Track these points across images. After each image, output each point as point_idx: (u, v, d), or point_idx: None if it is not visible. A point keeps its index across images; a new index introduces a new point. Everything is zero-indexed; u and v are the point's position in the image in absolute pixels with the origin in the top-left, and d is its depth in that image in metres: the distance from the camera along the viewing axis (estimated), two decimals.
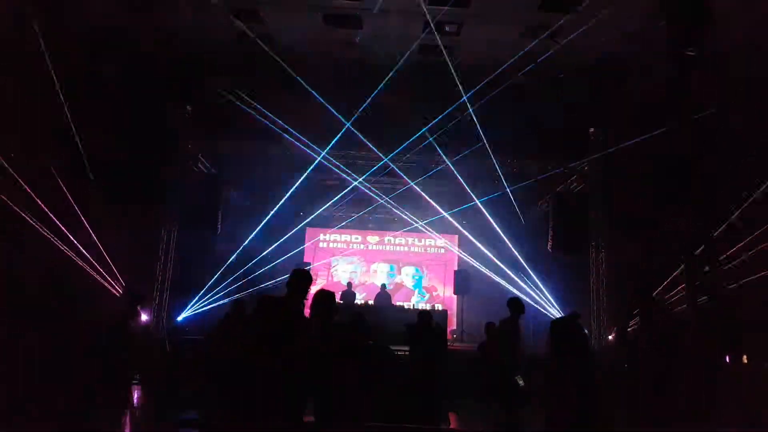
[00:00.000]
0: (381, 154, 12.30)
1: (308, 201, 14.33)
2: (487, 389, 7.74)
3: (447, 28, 9.69)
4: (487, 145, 11.35)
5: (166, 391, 8.75)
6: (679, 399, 5.38)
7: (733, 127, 8.84)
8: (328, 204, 14.21)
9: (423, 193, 13.36)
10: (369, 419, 4.65)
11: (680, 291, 8.62)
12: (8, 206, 8.75)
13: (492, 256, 14.06)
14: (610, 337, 11.40)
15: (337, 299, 5.02)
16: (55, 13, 9.00)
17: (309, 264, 14.97)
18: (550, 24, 9.43)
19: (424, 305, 15.46)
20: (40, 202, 9.34)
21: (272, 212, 12.97)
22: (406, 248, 16.81)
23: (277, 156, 12.24)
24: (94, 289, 10.17)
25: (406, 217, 14.77)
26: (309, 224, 15.89)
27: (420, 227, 14.84)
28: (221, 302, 12.21)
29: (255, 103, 10.98)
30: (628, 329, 8.92)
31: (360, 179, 12.95)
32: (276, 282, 12.38)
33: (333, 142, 11.56)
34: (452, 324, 14.62)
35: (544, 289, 13.01)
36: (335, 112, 10.79)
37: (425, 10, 8.95)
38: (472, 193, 12.83)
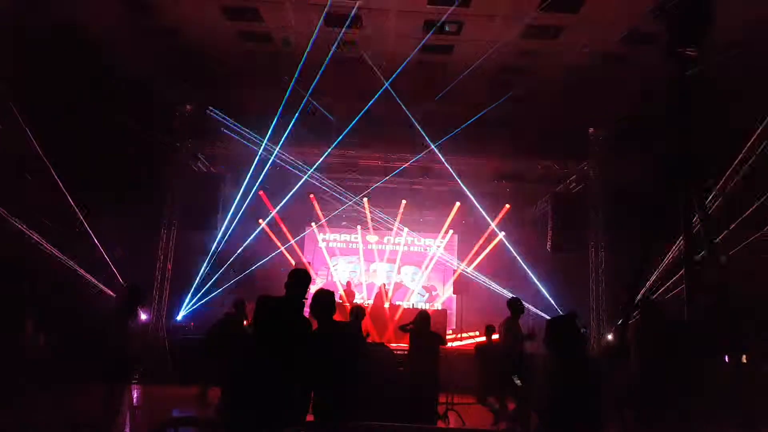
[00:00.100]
0: (381, 154, 12.32)
1: (308, 200, 14.36)
2: (485, 389, 7.76)
3: (447, 28, 9.69)
4: (486, 144, 11.37)
5: (165, 390, 8.76)
6: (677, 399, 5.38)
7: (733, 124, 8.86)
8: (331, 206, 14.25)
9: (422, 193, 13.38)
10: (369, 418, 4.66)
11: (680, 291, 8.61)
12: (8, 206, 8.74)
13: (491, 256, 14.05)
14: (609, 337, 11.41)
15: (337, 298, 5.04)
16: (57, 13, 9.00)
17: (308, 263, 14.96)
18: (551, 24, 9.44)
19: (423, 305, 15.46)
20: (39, 202, 9.34)
21: (272, 213, 12.99)
22: (405, 248, 16.80)
23: (277, 155, 12.25)
24: (93, 288, 10.17)
25: (405, 216, 14.79)
26: (309, 223, 15.91)
27: (420, 226, 14.87)
28: (221, 300, 12.23)
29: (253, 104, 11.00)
30: (627, 328, 8.91)
31: (359, 180, 12.96)
32: (276, 281, 12.36)
33: (336, 143, 11.58)
34: (451, 323, 14.62)
35: (543, 289, 13.01)
36: (328, 115, 10.83)
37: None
38: (472, 192, 12.84)
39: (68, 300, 9.40)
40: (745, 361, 6.51)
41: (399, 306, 14.32)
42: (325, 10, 8.81)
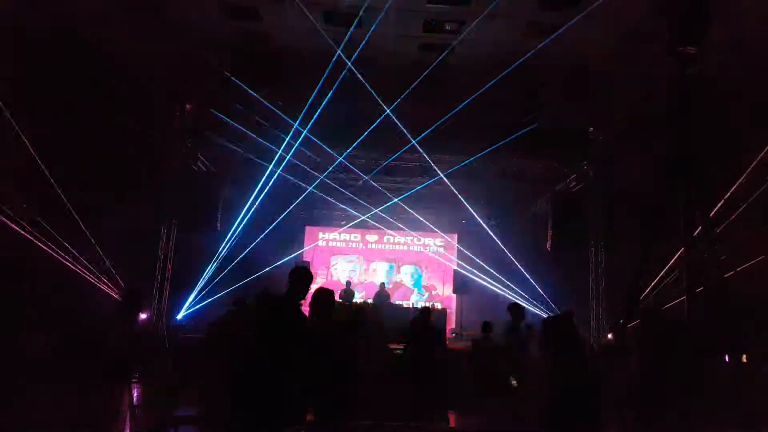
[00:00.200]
0: (381, 154, 12.31)
1: (307, 199, 14.34)
2: (480, 386, 7.78)
3: (447, 27, 9.67)
4: (486, 144, 11.35)
5: (165, 389, 8.75)
6: (677, 399, 5.38)
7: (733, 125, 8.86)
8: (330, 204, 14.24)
9: (422, 192, 13.37)
10: (369, 416, 4.66)
11: (679, 291, 8.61)
12: (8, 206, 8.74)
13: (491, 256, 14.05)
14: (609, 336, 11.41)
15: (337, 298, 5.03)
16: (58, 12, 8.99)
17: (308, 262, 14.97)
18: (552, 23, 9.42)
19: (423, 304, 15.45)
20: (38, 202, 9.34)
21: (278, 216, 13.01)
22: (405, 247, 16.81)
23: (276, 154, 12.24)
24: (93, 288, 10.17)
25: (405, 215, 14.78)
26: (308, 223, 15.93)
27: (419, 225, 14.86)
28: (221, 298, 12.23)
29: (254, 104, 10.99)
30: (627, 328, 8.92)
31: (361, 178, 12.96)
32: (275, 280, 12.38)
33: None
34: (451, 323, 14.63)
35: (543, 289, 13.01)
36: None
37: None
38: (472, 191, 12.84)
39: (68, 300, 9.40)
40: (745, 361, 6.51)
41: (399, 305, 14.35)
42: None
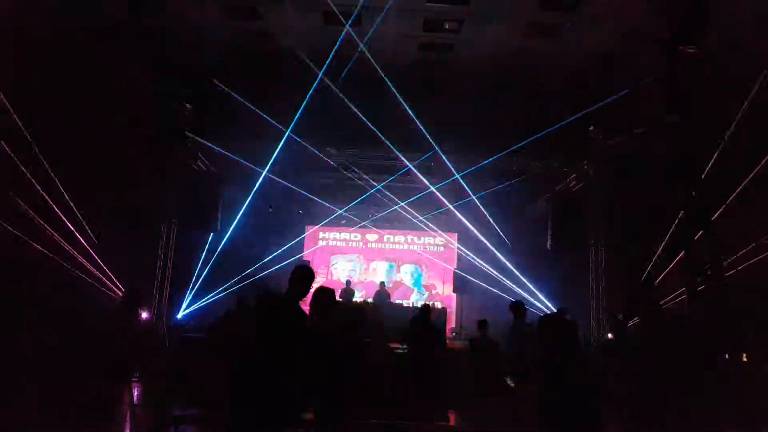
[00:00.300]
0: (381, 154, 12.30)
1: (308, 198, 14.34)
2: (480, 386, 7.78)
3: (447, 26, 9.68)
4: (486, 143, 11.35)
5: (166, 388, 8.75)
6: (677, 399, 5.38)
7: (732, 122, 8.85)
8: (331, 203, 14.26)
9: (422, 192, 13.36)
10: (369, 416, 4.66)
11: (679, 291, 8.63)
12: (8, 206, 8.74)
13: (491, 255, 14.04)
14: (609, 335, 11.41)
15: (337, 297, 5.03)
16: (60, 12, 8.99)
17: (308, 261, 14.97)
18: (551, 23, 9.42)
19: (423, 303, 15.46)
20: (38, 201, 9.34)
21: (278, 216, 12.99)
22: (405, 246, 16.80)
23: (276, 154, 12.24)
24: (93, 288, 10.17)
25: (405, 214, 14.77)
26: (308, 222, 15.91)
27: (419, 225, 14.86)
28: (221, 297, 12.25)
29: (253, 103, 10.98)
30: (626, 328, 8.94)
31: (362, 178, 12.95)
32: (275, 279, 12.38)
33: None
34: (451, 322, 14.62)
35: (543, 288, 13.01)
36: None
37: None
38: (472, 191, 12.83)
39: (68, 300, 9.40)
40: (745, 360, 6.52)
41: (399, 304, 14.34)
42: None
